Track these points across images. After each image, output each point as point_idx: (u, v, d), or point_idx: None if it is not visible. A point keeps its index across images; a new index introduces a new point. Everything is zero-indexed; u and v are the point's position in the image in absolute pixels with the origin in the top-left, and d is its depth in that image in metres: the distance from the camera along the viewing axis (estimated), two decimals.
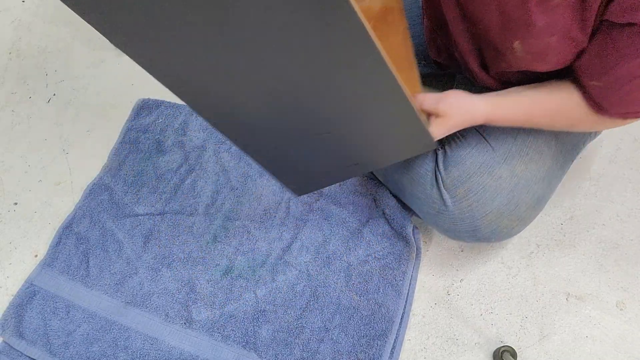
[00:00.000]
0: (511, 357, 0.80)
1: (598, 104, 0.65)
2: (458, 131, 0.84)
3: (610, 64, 0.60)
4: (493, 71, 0.74)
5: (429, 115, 0.71)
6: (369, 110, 0.61)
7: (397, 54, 0.77)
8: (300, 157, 0.71)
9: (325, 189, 0.97)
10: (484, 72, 0.76)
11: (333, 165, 0.73)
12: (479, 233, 0.77)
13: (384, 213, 0.93)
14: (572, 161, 0.83)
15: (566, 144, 0.79)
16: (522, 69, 0.68)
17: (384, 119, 0.64)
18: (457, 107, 0.70)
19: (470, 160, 0.76)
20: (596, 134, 0.85)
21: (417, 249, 0.90)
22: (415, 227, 0.91)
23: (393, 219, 0.92)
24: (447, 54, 0.83)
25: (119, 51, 1.11)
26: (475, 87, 0.84)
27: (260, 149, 0.69)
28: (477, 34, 0.70)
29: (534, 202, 0.76)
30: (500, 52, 0.69)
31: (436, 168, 0.80)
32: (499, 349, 0.82)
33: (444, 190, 0.77)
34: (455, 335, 0.86)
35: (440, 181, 0.78)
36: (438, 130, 0.69)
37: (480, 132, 0.80)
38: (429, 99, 0.70)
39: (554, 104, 0.69)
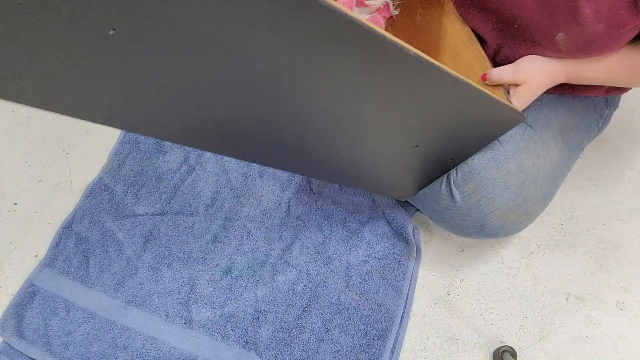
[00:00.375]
0: (511, 357, 0.80)
1: None
2: None
3: None
4: None
5: (508, 87, 0.70)
6: (449, 115, 0.62)
7: (456, 35, 0.76)
8: (395, 172, 0.74)
9: (325, 189, 0.97)
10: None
11: (430, 167, 0.75)
12: (486, 228, 0.77)
13: (383, 213, 0.93)
14: (577, 158, 0.83)
15: (571, 141, 0.79)
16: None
17: (466, 114, 0.64)
18: (535, 70, 0.68)
19: (478, 155, 0.76)
20: (597, 132, 0.85)
21: (417, 249, 0.90)
22: (415, 227, 0.91)
23: (393, 219, 0.92)
24: None
25: None
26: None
27: (356, 176, 0.72)
28: (507, 31, 0.70)
29: (540, 198, 0.77)
30: (539, 46, 0.68)
31: None
32: (499, 349, 0.82)
33: (453, 187, 0.77)
34: (455, 335, 0.86)
35: (450, 177, 0.78)
36: (521, 99, 0.68)
37: None
38: (505, 72, 0.68)
39: (637, 58, 0.67)
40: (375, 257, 0.89)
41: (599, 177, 0.97)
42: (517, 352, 0.82)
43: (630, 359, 0.83)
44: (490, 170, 0.75)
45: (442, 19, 0.78)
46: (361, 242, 0.90)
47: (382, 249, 0.89)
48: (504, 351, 0.81)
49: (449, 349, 0.85)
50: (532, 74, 0.68)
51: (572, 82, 0.71)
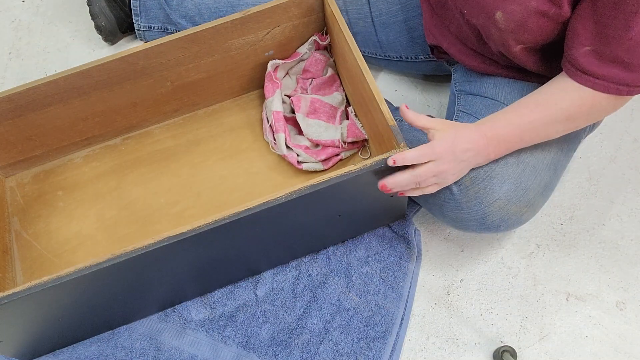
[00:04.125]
0: (511, 357, 0.81)
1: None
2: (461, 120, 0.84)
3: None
4: (485, 57, 0.78)
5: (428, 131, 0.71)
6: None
7: (351, 63, 0.83)
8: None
9: None
10: (473, 58, 0.79)
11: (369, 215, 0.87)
12: (487, 220, 0.76)
13: None
14: (575, 150, 0.83)
15: (569, 133, 0.79)
16: (509, 43, 0.70)
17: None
18: (446, 122, 0.71)
19: None
20: (595, 125, 0.85)
21: (418, 250, 0.89)
22: (416, 229, 0.91)
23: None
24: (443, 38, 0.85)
25: (117, 51, 1.11)
26: (474, 80, 0.84)
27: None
28: (465, 16, 0.73)
29: (541, 188, 0.76)
30: (486, 29, 0.71)
31: None
32: (499, 349, 0.82)
33: None
34: (455, 335, 0.86)
35: None
36: (439, 142, 0.68)
37: None
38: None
39: (558, 96, 0.69)
40: (375, 258, 0.89)
41: (599, 177, 0.97)
42: (517, 352, 0.82)
43: (630, 359, 0.83)
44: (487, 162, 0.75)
45: (344, 45, 0.84)
46: (361, 244, 0.90)
47: (383, 251, 0.89)
48: (504, 351, 0.81)
49: (449, 349, 0.85)
50: (442, 124, 0.70)
51: (494, 149, 0.72)
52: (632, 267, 0.90)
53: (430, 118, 0.71)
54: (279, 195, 0.67)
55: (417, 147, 0.68)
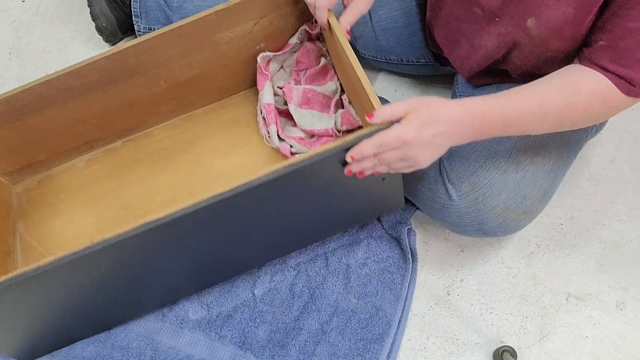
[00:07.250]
0: (511, 357, 0.80)
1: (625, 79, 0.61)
2: None
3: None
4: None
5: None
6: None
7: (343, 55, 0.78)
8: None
9: None
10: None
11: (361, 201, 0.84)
12: (485, 227, 0.77)
13: (378, 219, 0.92)
14: (575, 157, 0.83)
15: (570, 139, 0.79)
16: (536, 53, 0.67)
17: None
18: (424, 100, 0.63)
19: (475, 154, 0.76)
20: (597, 130, 0.84)
21: (412, 251, 0.89)
22: (410, 229, 0.90)
23: (386, 221, 0.91)
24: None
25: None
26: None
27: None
28: (488, 25, 0.70)
29: (540, 196, 0.76)
30: (511, 38, 0.68)
31: (441, 163, 0.79)
32: (499, 349, 0.82)
33: (449, 185, 0.77)
34: (455, 335, 0.86)
35: (445, 176, 0.78)
36: (405, 129, 0.61)
37: None
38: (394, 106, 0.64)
39: (567, 86, 0.64)
40: (374, 260, 0.88)
41: (599, 177, 0.97)
42: (517, 352, 0.82)
43: (630, 359, 0.83)
44: (486, 169, 0.75)
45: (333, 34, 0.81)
46: (360, 245, 0.90)
47: (381, 252, 0.89)
48: (504, 351, 0.81)
49: (449, 349, 0.85)
50: (419, 103, 0.63)
51: (471, 132, 0.65)
52: (632, 267, 0.89)
53: (398, 104, 0.63)
54: (258, 176, 0.64)
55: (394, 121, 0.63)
